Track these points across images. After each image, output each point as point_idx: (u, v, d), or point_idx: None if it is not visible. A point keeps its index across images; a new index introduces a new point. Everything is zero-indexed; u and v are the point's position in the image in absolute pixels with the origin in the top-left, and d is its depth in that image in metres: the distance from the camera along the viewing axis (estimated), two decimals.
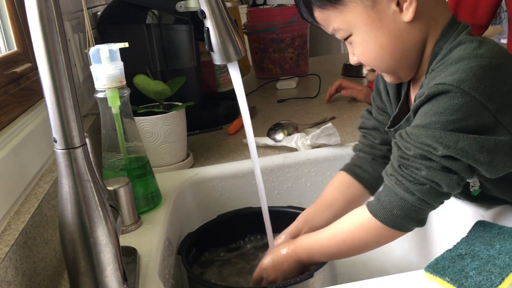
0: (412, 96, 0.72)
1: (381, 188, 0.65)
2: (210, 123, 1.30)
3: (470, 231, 0.65)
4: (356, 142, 0.85)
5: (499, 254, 0.58)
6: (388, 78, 0.71)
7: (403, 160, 0.60)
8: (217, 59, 0.66)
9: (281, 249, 0.73)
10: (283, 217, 0.87)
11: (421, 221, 0.62)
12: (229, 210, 0.91)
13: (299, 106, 1.43)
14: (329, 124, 1.00)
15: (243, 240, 0.89)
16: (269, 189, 0.98)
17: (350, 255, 0.70)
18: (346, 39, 0.68)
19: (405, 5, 0.63)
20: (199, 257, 0.84)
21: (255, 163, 0.73)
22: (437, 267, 0.58)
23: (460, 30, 0.64)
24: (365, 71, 1.74)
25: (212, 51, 0.65)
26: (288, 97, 1.54)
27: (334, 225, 0.69)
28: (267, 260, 0.73)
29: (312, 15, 0.69)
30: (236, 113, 1.34)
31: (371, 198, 0.79)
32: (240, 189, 0.97)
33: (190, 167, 1.02)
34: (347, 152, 1.00)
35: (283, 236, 0.79)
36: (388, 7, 0.63)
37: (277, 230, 0.87)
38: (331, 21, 0.67)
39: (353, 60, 0.70)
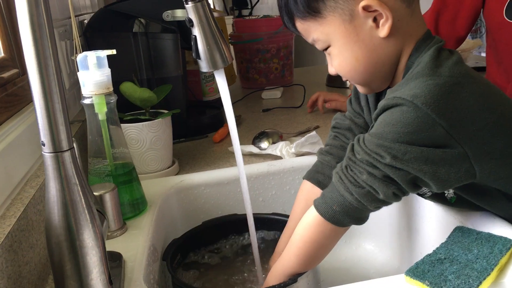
0: None
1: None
2: (196, 132, 1.30)
3: (449, 237, 0.66)
4: (320, 147, 0.85)
5: (477, 258, 0.60)
6: (361, 89, 0.74)
7: (350, 161, 0.63)
8: (204, 66, 0.67)
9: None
10: (268, 224, 0.88)
11: (359, 219, 0.65)
12: (214, 216, 0.92)
13: (284, 116, 1.45)
14: (313, 132, 1.02)
15: (225, 241, 0.90)
16: (254, 196, 0.99)
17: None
18: (325, 49, 0.70)
19: (381, 22, 0.64)
20: (183, 262, 0.84)
21: (240, 166, 0.74)
22: (417, 271, 0.60)
23: (431, 45, 0.66)
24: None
25: (199, 58, 0.67)
26: (273, 106, 1.56)
27: (291, 238, 0.70)
28: None
29: (294, 25, 0.71)
30: (222, 121, 1.36)
31: None
32: (225, 196, 0.98)
33: (176, 174, 1.03)
34: None
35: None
36: (365, 22, 0.65)
37: (262, 236, 0.89)
38: (311, 32, 0.69)
39: (331, 70, 0.72)
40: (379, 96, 0.76)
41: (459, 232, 0.67)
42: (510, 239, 0.62)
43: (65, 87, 1.12)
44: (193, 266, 0.85)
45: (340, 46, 0.67)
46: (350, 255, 1.00)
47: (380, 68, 0.68)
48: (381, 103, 0.62)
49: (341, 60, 0.69)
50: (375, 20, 0.65)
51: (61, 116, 0.49)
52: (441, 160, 0.59)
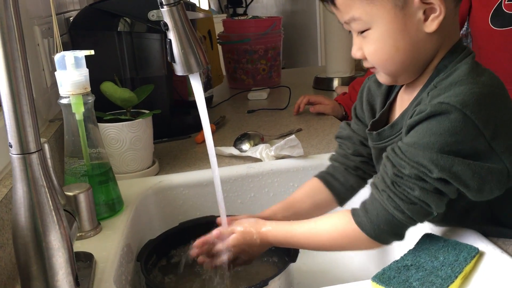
0: (398, 102, 0.74)
1: (367, 198, 0.66)
2: (179, 132, 1.31)
3: (417, 243, 0.67)
4: (331, 153, 0.87)
5: (442, 265, 0.61)
6: (384, 79, 0.71)
7: (397, 178, 0.61)
8: (179, 70, 0.68)
9: (249, 230, 0.74)
10: None
11: (402, 236, 0.65)
12: (191, 218, 0.92)
13: (268, 117, 1.46)
14: (292, 136, 1.02)
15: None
16: (232, 198, 1.00)
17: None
18: (361, 32, 0.66)
19: (431, 16, 0.63)
20: (159, 263, 0.85)
21: (214, 170, 0.74)
22: (383, 277, 0.60)
23: (466, 53, 0.65)
24: (335, 84, 1.78)
25: (174, 62, 0.67)
26: (259, 107, 1.56)
27: (314, 226, 0.70)
28: (238, 237, 0.74)
29: None
30: None
31: (338, 208, 0.82)
32: (203, 197, 0.99)
33: (155, 175, 1.03)
34: (310, 164, 1.02)
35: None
36: (416, 13, 0.63)
37: None
38: (353, 8, 0.65)
39: (356, 54, 0.69)
40: (387, 97, 0.76)
41: (427, 239, 0.67)
42: (475, 247, 0.63)
43: (47, 85, 1.12)
44: (168, 267, 0.85)
45: (383, 32, 0.64)
46: (327, 258, 1.01)
47: (415, 63, 0.66)
48: (423, 109, 0.60)
49: (379, 46, 0.65)
50: (425, 13, 0.63)
51: (29, 118, 0.50)
52: (488, 175, 0.59)
